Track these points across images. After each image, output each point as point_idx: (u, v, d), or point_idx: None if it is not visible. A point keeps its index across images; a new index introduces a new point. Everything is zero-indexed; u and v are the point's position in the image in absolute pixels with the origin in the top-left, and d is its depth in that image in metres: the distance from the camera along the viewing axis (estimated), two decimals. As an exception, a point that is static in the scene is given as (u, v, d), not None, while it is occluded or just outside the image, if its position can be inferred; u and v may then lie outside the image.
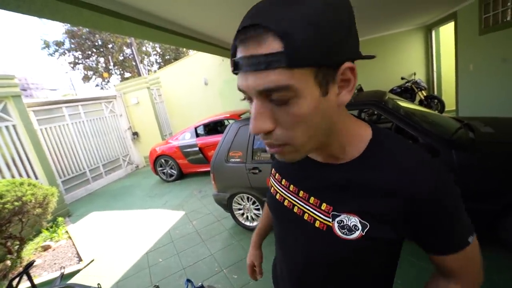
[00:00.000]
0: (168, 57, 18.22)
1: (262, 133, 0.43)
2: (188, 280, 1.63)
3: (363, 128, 0.53)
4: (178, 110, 9.23)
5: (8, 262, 3.51)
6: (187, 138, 5.58)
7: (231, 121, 5.85)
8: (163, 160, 5.81)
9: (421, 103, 6.14)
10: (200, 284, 1.64)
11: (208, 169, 5.43)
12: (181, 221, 3.77)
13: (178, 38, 3.28)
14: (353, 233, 0.49)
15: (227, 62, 8.17)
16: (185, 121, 8.79)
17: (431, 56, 6.66)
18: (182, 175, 5.79)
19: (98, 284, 1.91)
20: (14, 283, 1.73)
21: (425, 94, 6.20)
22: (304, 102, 0.39)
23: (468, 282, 0.52)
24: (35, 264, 3.41)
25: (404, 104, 2.59)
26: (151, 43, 17.19)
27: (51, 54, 15.71)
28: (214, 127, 5.97)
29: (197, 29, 3.45)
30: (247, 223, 3.10)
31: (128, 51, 16.77)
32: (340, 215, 0.50)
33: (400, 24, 6.00)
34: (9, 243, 3.46)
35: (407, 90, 6.23)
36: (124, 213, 4.58)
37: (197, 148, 5.38)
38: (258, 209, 2.98)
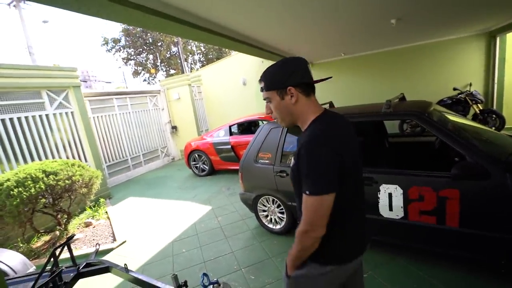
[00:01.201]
0: (211, 56, 18.94)
1: (269, 114, 1.08)
2: (205, 274, 1.66)
3: (311, 115, 0.99)
4: (215, 108, 9.54)
5: (57, 232, 3.95)
6: (221, 136, 5.73)
7: (265, 122, 5.88)
8: (197, 155, 6.05)
9: (475, 117, 5.53)
10: (215, 279, 1.66)
11: (238, 167, 5.50)
12: (207, 215, 3.88)
13: (219, 38, 3.38)
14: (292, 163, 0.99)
15: (266, 63, 8.23)
16: (221, 119, 9.04)
17: (493, 65, 5.95)
18: (213, 171, 5.97)
19: (125, 264, 2.05)
20: (57, 252, 1.94)
21: (481, 108, 5.56)
22: (274, 102, 1.01)
23: (303, 222, 0.90)
24: (77, 237, 3.79)
25: (453, 117, 2.35)
26: (196, 42, 18.02)
27: (109, 50, 17.35)
28: (248, 126, 6.04)
29: (238, 30, 3.52)
30: (270, 226, 3.08)
31: (174, 49, 17.80)
32: None
33: (456, 30, 5.45)
34: (59, 216, 3.90)
35: (459, 102, 5.64)
36: (157, 201, 4.87)
37: (229, 146, 5.50)
38: (282, 213, 2.94)
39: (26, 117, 4.53)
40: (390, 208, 2.06)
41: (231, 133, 5.68)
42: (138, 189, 5.87)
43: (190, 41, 18.27)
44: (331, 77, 1.38)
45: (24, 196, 3.19)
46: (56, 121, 4.96)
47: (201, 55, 19.31)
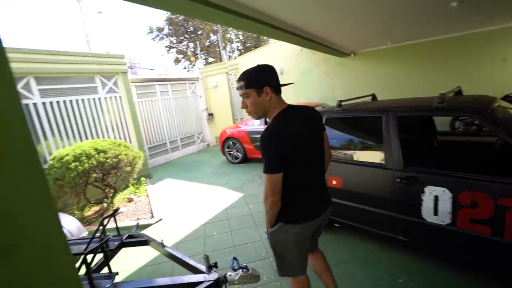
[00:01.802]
0: (248, 44, 18.91)
1: (244, 108, 1.36)
2: (235, 258, 1.71)
3: (276, 110, 1.32)
4: (251, 97, 9.57)
5: (105, 204, 4.38)
6: (256, 125, 5.76)
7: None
8: (231, 142, 6.18)
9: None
10: (244, 264, 1.71)
11: (271, 157, 5.51)
12: (238, 202, 3.98)
13: (258, 25, 3.32)
14: None
15: (306, 52, 7.98)
16: (256, 108, 9.05)
17: None
18: (246, 159, 6.06)
19: (162, 240, 2.20)
20: (105, 221, 2.15)
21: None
22: (251, 98, 1.30)
23: (264, 191, 1.29)
24: (121, 211, 4.16)
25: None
26: (234, 31, 18.09)
27: (153, 39, 18.26)
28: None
29: (279, 17, 3.43)
30: (301, 218, 3.06)
31: (214, 37, 18.09)
32: None
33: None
34: (106, 190, 4.30)
35: (530, 100, 4.91)
36: (192, 184, 5.11)
37: (263, 136, 5.51)
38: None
39: (83, 100, 5.01)
40: (435, 213, 1.90)
41: (266, 122, 5.67)
42: (175, 171, 6.21)
43: (229, 29, 18.38)
44: (293, 83, 1.85)
45: (80, 170, 3.57)
46: (106, 104, 5.41)
47: (239, 44, 19.38)
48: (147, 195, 4.76)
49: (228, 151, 6.30)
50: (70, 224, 2.67)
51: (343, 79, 7.67)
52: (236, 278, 1.64)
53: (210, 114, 8.85)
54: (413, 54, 6.47)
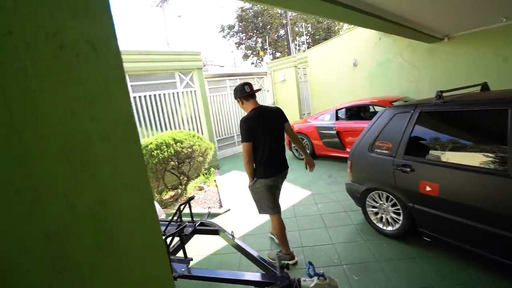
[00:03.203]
0: (318, 37, 18.15)
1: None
2: (310, 263, 1.56)
3: (249, 109, 2.26)
4: (320, 91, 9.13)
5: (179, 191, 4.78)
6: (326, 120, 5.42)
7: (378, 108, 5.16)
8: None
9: None
10: (321, 272, 1.54)
11: (341, 155, 5.13)
12: (306, 200, 3.79)
13: (331, 7, 2.99)
14: None
15: (385, 41, 7.13)
16: (325, 102, 8.60)
17: None
18: (314, 156, 5.79)
19: (232, 231, 2.20)
20: (181, 207, 2.28)
21: None
22: (240, 104, 2.33)
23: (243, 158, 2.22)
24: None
25: None
26: (304, 23, 17.59)
27: (224, 36, 19.25)
28: (357, 112, 5.47)
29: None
30: (380, 225, 2.69)
31: (282, 32, 17.97)
32: None
33: None
34: (181, 177, 4.68)
35: None
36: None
37: (334, 131, 5.15)
38: (398, 214, 2.50)
39: (164, 94, 5.55)
40: None
41: (337, 118, 5.28)
42: (242, 163, 6.36)
43: (298, 23, 17.97)
44: (260, 89, 2.58)
45: (160, 157, 3.95)
46: (183, 98, 5.88)
47: (308, 37, 18.79)
48: (216, 185, 5.00)
49: (295, 146, 6.12)
50: (152, 205, 2.94)
51: (432, 69, 6.56)
52: (311, 285, 1.49)
53: (276, 109, 8.80)
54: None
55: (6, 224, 0.28)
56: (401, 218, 2.47)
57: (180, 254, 2.15)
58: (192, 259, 2.02)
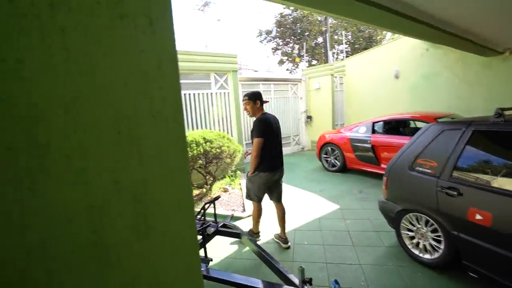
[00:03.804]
0: (357, 46, 17.68)
1: (245, 110, 2.89)
2: (336, 282, 1.47)
3: (260, 113, 2.71)
4: (355, 102, 8.82)
5: (204, 190, 4.86)
6: (361, 132, 5.20)
7: (420, 124, 4.85)
8: (329, 148, 5.82)
9: None
10: (348, 292, 1.44)
11: (375, 170, 4.87)
12: (333, 214, 3.64)
13: (381, 14, 2.87)
14: None
15: (433, 53, 6.71)
16: (361, 114, 8.28)
17: None
18: (344, 168, 5.57)
19: (254, 237, 2.16)
20: (206, 206, 2.29)
21: None
22: (250, 106, 2.71)
23: (252, 149, 2.61)
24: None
25: None
26: (344, 32, 17.26)
27: (261, 41, 19.53)
28: (395, 126, 5.18)
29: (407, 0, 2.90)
30: (416, 251, 2.48)
31: (320, 39, 17.78)
32: None
33: None
34: (207, 177, 4.76)
35: None
36: (283, 185, 5.04)
37: (369, 145, 4.91)
38: (438, 241, 2.28)
39: (198, 94, 5.73)
40: None
41: (373, 131, 5.04)
42: (268, 170, 6.33)
43: (337, 30, 17.67)
44: (266, 101, 2.93)
45: (190, 155, 4.06)
46: (216, 99, 6.03)
47: (347, 45, 18.39)
48: (241, 189, 5.00)
49: (325, 157, 5.95)
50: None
51: (487, 85, 6.01)
52: (336, 305, 1.40)
53: (309, 117, 8.65)
54: None
55: (55, 190, 0.28)
56: (442, 246, 2.25)
57: (201, 253, 2.16)
58: (212, 260, 2.02)
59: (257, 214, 2.93)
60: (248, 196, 2.87)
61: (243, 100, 2.74)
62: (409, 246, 2.55)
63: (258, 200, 2.83)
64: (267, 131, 2.56)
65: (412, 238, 2.54)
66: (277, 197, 2.90)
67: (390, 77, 7.73)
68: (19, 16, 0.25)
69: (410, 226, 2.53)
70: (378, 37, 17.38)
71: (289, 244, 2.87)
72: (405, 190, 2.54)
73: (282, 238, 2.89)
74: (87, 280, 0.31)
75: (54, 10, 0.27)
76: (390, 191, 2.68)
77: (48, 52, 0.27)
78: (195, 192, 4.92)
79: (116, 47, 0.31)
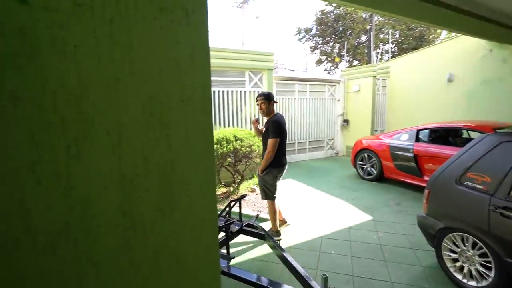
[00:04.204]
0: (406, 46, 16.69)
1: (260, 110, 3.20)
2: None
3: (273, 112, 3.04)
4: (399, 106, 8.35)
5: (231, 189, 4.96)
6: (403, 140, 4.92)
7: (474, 134, 4.45)
8: (366, 155, 5.59)
9: None
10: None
11: (416, 182, 4.58)
12: (365, 225, 3.50)
13: (438, 10, 2.70)
14: None
15: (498, 53, 6.10)
16: (404, 120, 7.82)
17: None
18: (381, 178, 5.32)
19: (278, 239, 2.17)
20: (232, 204, 2.35)
21: None
22: (266, 105, 3.01)
23: (268, 149, 2.90)
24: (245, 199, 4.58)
25: None
26: (391, 30, 16.41)
27: (299, 39, 19.37)
28: (444, 135, 4.82)
29: None
30: (459, 276, 2.29)
31: (363, 38, 17.12)
32: None
33: None
34: (235, 175, 4.86)
35: None
36: (313, 191, 4.98)
37: (411, 154, 4.63)
38: (488, 268, 2.08)
39: (232, 92, 5.87)
40: None
41: (417, 139, 4.74)
42: (299, 174, 6.27)
43: (384, 29, 16.86)
44: (276, 102, 3.26)
45: (219, 152, 4.18)
46: (249, 97, 6.12)
47: (393, 45, 17.46)
48: (268, 190, 5.02)
49: (361, 164, 5.72)
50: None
51: None
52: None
53: (345, 121, 8.39)
54: None
55: (95, 159, 0.34)
56: (491, 274, 2.05)
57: (223, 250, 2.22)
58: (234, 257, 2.06)
59: (275, 212, 3.09)
60: (267, 196, 3.05)
61: (258, 99, 3.01)
62: (451, 269, 2.36)
63: (272, 197, 3.05)
64: (282, 132, 2.93)
65: (455, 260, 2.35)
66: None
67: (441, 81, 7.20)
68: (76, 6, 0.30)
69: (454, 247, 2.34)
70: (431, 36, 16.23)
71: (281, 237, 3.12)
72: (450, 206, 2.36)
73: (276, 232, 3.11)
74: (114, 245, 0.36)
75: (105, 2, 0.31)
76: (432, 205, 2.50)
77: (98, 39, 0.33)
78: (223, 189, 5.04)
79: (154, 37, 0.36)
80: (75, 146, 0.32)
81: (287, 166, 3.13)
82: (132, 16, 0.34)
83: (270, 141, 2.84)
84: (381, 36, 17.11)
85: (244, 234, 2.54)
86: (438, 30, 15.18)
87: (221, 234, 2.28)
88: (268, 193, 3.01)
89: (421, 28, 15.89)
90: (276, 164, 2.93)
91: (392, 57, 14.51)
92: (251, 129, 6.07)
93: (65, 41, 0.30)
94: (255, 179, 5.47)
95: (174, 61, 0.38)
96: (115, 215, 0.35)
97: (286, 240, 3.14)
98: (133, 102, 0.35)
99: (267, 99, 2.96)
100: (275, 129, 2.85)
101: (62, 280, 0.32)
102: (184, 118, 0.40)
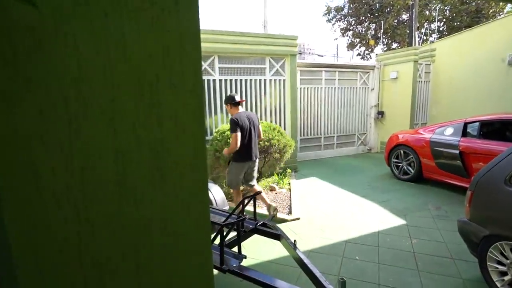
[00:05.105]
0: (457, 24, 15.82)
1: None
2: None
3: (234, 113, 3.68)
4: (446, 96, 8.01)
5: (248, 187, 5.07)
6: (447, 134, 4.76)
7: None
8: (402, 152, 5.46)
9: None
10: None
11: (462, 184, 4.43)
12: (397, 230, 3.47)
13: None
14: None
15: None
16: (452, 112, 7.51)
17: None
18: (419, 178, 5.19)
19: (295, 241, 2.24)
20: (245, 201, 2.45)
21: None
22: (228, 107, 3.82)
23: (231, 144, 3.68)
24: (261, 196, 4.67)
25: None
26: (440, 5, 15.62)
27: (329, 20, 18.99)
28: (499, 129, 4.59)
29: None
30: (504, 290, 2.23)
31: (404, 16, 16.45)
32: None
33: None
34: (252, 173, 4.96)
35: None
36: (340, 191, 4.97)
37: (456, 151, 4.47)
38: (537, 281, 2.02)
39: (250, 80, 5.96)
40: None
41: (464, 134, 4.56)
42: (324, 171, 6.27)
43: (431, 4, 16.07)
44: (244, 100, 4.84)
45: (234, 146, 4.29)
46: (270, 86, 6.17)
47: (442, 23, 16.61)
48: (289, 189, 5.08)
49: (396, 162, 5.61)
50: (217, 194, 3.27)
51: None
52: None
53: (380, 113, 8.19)
54: None
55: (92, 134, 0.44)
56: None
57: (235, 249, 2.32)
58: (246, 257, 2.16)
59: (239, 197, 3.88)
60: (229, 184, 3.96)
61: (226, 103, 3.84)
62: (498, 284, 2.30)
63: (235, 187, 3.88)
64: (239, 127, 3.53)
65: (504, 274, 2.29)
66: (250, 181, 3.92)
67: (497, 64, 6.82)
68: (75, 3, 0.40)
69: (502, 258, 2.28)
70: (491, 11, 15.20)
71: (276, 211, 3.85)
72: (498, 210, 2.29)
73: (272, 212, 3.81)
74: (109, 209, 0.46)
75: (100, -3, 0.41)
76: (476, 209, 2.45)
77: (94, 30, 0.43)
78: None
79: (145, 26, 0.46)
80: (75, 121, 0.43)
81: (257, 160, 3.83)
82: (125, 9, 0.43)
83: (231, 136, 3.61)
84: (427, 13, 16.31)
85: (259, 233, 2.63)
86: (501, 3, 14.17)
87: (233, 233, 2.39)
88: (230, 181, 3.83)
89: (478, 1, 14.93)
90: (239, 158, 3.65)
91: (439, 37, 13.84)
92: (271, 121, 6.15)
93: (66, 34, 0.41)
94: (275, 177, 5.55)
95: (163, 47, 0.47)
96: (109, 183, 0.46)
97: (307, 242, 3.20)
98: (124, 84, 0.45)
99: (225, 102, 3.79)
100: (230, 126, 3.57)
101: (64, 235, 0.43)
102: (174, 100, 0.49)
